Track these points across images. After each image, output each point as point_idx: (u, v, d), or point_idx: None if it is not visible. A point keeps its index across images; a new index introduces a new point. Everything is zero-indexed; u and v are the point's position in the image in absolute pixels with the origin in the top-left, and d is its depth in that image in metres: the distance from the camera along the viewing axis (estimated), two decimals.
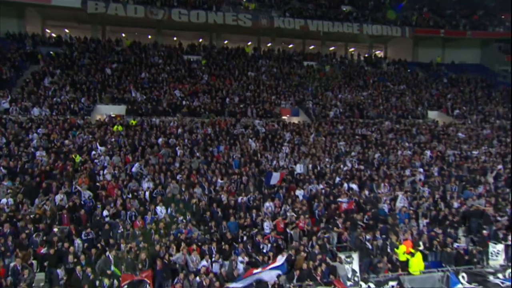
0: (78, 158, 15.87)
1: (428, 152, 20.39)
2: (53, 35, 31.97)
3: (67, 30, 32.43)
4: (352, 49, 40.82)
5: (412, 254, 12.12)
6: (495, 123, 25.86)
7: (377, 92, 28.23)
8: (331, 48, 39.25)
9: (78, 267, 9.93)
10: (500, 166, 19.48)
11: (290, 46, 39.61)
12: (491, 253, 12.96)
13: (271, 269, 10.11)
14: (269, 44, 35.86)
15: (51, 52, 25.34)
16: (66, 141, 17.01)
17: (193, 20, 29.41)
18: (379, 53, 41.81)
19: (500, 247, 12.94)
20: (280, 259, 10.23)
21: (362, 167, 18.15)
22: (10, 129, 17.22)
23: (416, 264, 12.14)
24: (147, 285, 9.86)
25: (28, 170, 14.45)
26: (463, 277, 12.23)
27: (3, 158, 14.76)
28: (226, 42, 36.17)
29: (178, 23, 30.51)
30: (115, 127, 19.05)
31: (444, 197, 16.08)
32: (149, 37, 34.39)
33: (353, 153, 19.44)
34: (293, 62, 32.19)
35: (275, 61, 31.46)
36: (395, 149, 20.38)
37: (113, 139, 17.76)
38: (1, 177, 13.76)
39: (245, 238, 12.36)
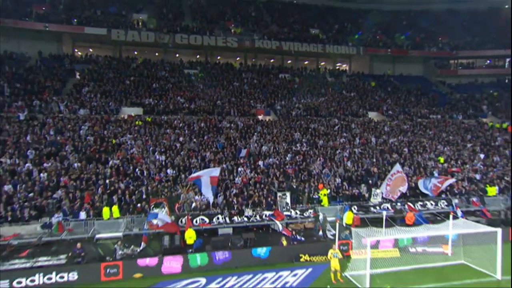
0: (114, 141, 23.28)
1: (358, 139, 27.94)
2: (79, 53, 39.00)
3: (91, 50, 39.46)
4: (323, 63, 48.10)
5: (324, 194, 19.63)
6: (415, 120, 33.32)
7: (333, 97, 35.63)
8: (305, 63, 46.37)
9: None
10: (406, 149, 27.07)
11: (272, 61, 46.50)
12: (373, 195, 20.44)
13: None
14: (253, 60, 43.25)
15: (85, 69, 32.44)
16: (105, 132, 24.37)
17: (192, 42, 36.71)
18: (345, 67, 49.19)
19: (378, 191, 20.39)
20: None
21: (307, 148, 25.65)
22: (64, 124, 24.46)
23: (325, 200, 19.60)
24: (165, 205, 17.03)
25: (83, 148, 21.79)
26: (354, 207, 19.62)
27: (68, 141, 22.10)
28: (219, 58, 43.01)
29: (180, 45, 37.38)
30: (137, 122, 26.36)
31: (366, 169, 23.55)
32: (156, 54, 41.21)
33: (303, 140, 26.92)
34: (270, 74, 39.50)
35: (256, 74, 38.70)
36: (335, 138, 27.86)
37: (136, 129, 25.13)
38: (69, 150, 21.16)
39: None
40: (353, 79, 41.43)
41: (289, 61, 46.04)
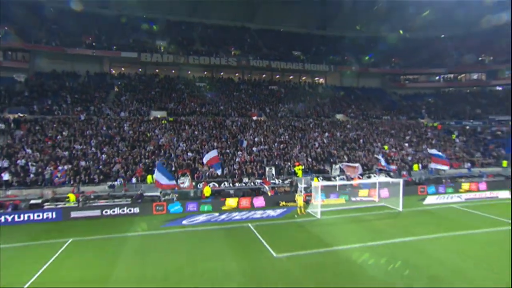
0: (148, 134, 28.47)
1: (326, 133, 33.35)
2: (113, 71, 43.93)
3: (123, 69, 44.41)
4: (304, 78, 53.35)
5: (299, 169, 24.92)
6: (371, 120, 38.81)
7: (310, 104, 41.03)
8: (290, 77, 51.43)
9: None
10: (361, 140, 32.49)
11: (263, 76, 51.08)
12: (333, 169, 25.78)
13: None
14: (249, 75, 48.50)
15: (121, 83, 37.58)
16: (141, 128, 29.54)
17: (202, 62, 41.87)
18: (321, 81, 54.53)
19: (337, 167, 25.72)
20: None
21: (289, 139, 30.98)
22: (111, 123, 29.58)
23: (299, 173, 24.87)
24: (187, 174, 22.11)
25: (127, 139, 26.94)
26: (320, 178, 24.90)
27: (117, 134, 27.25)
28: (221, 74, 48.09)
29: (192, 64, 42.16)
30: (163, 121, 31.53)
31: (329, 152, 28.88)
32: (173, 71, 45.97)
33: (286, 134, 32.25)
34: (262, 86, 44.86)
35: (251, 86, 44.04)
36: (309, 132, 33.23)
37: (163, 126, 30.32)
38: (118, 140, 26.33)
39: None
40: (326, 90, 46.80)
41: (277, 76, 50.34)
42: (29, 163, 21.56)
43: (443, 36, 50.87)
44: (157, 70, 45.09)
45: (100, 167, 22.44)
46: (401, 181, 18.94)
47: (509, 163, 29.35)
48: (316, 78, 53.06)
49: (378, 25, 51.29)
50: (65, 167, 21.37)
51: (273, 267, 11.26)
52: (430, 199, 21.42)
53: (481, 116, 41.25)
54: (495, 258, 11.87)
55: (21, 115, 28.05)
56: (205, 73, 46.65)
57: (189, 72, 45.61)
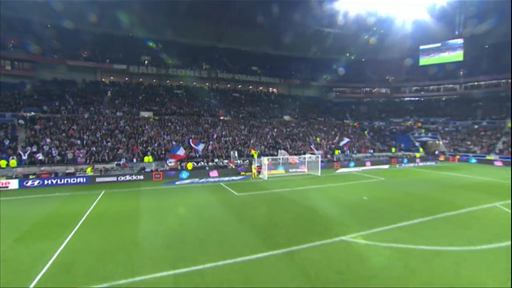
0: (140, 129, 33.04)
1: (275, 129, 40.13)
2: (103, 79, 47.07)
3: (112, 78, 47.70)
4: (260, 88, 59.96)
5: (254, 153, 31.23)
6: (310, 120, 46.47)
7: (264, 108, 47.70)
8: (250, 87, 57.63)
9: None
10: (301, 134, 39.70)
11: (228, 85, 56.64)
12: (279, 153, 32.43)
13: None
14: (217, 85, 53.99)
15: (111, 90, 41.29)
16: (134, 124, 33.95)
17: (179, 74, 46.75)
18: (274, 90, 61.57)
19: (281, 151, 32.42)
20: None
21: (247, 133, 37.22)
22: (110, 120, 33.63)
23: (255, 155, 31.18)
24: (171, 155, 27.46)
25: (124, 132, 31.35)
26: (269, 158, 31.38)
27: (116, 129, 31.52)
28: (194, 83, 52.89)
29: (171, 75, 46.84)
30: (151, 119, 36.12)
31: (277, 141, 35.48)
32: (154, 81, 50.07)
33: (245, 129, 38.45)
34: (227, 94, 50.69)
35: (218, 93, 49.61)
36: (263, 128, 39.74)
37: (151, 123, 34.96)
38: (117, 132, 30.67)
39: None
40: (277, 98, 53.90)
41: (239, 86, 55.86)
42: (52, 149, 25.42)
43: (363, 60, 60.34)
44: (141, 79, 49.02)
45: (107, 151, 26.89)
46: (319, 157, 26.13)
47: (397, 149, 38.34)
48: (270, 88, 59.77)
49: (319, 49, 59.39)
50: (82, 150, 25.59)
51: (237, 199, 17.33)
52: (341, 170, 28.95)
53: (385, 119, 50.90)
54: (366, 191, 19.05)
55: (34, 114, 31.19)
56: (181, 82, 51.19)
57: (168, 81, 50.25)
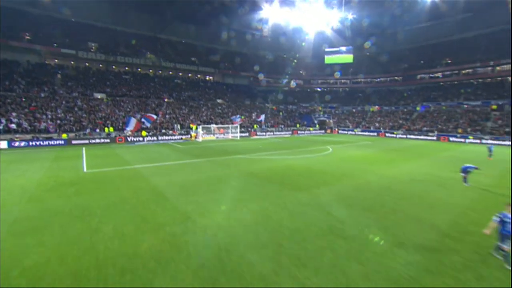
0: (97, 108, 39.04)
1: (210, 110, 49.62)
2: (49, 62, 49.34)
3: (56, 61, 50.13)
4: (199, 76, 67.69)
5: (194, 127, 40.49)
6: (238, 104, 57.04)
7: (201, 92, 56.35)
8: (189, 75, 64.94)
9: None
10: (230, 113, 50.01)
11: (170, 73, 62.99)
12: (212, 126, 42.31)
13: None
14: (160, 72, 60.03)
15: (60, 72, 44.88)
16: (90, 103, 39.55)
17: (127, 61, 52.04)
18: (211, 78, 70.08)
19: (212, 124, 42.30)
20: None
21: (187, 111, 45.93)
22: (68, 100, 38.58)
23: (194, 128, 40.48)
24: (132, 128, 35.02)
25: (83, 109, 37.15)
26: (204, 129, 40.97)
27: (73, 106, 37.08)
28: (139, 70, 58.12)
29: (119, 62, 52.02)
30: (105, 100, 41.86)
31: (211, 118, 44.99)
32: (100, 66, 54.14)
33: (186, 109, 47.00)
34: (170, 80, 57.60)
35: (162, 80, 56.22)
36: (200, 109, 48.77)
37: (105, 103, 40.90)
38: (76, 110, 36.44)
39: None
40: (213, 84, 62.93)
41: (180, 74, 63.14)
42: (21, 121, 30.54)
43: (284, 56, 72.91)
44: (87, 64, 52.51)
45: (72, 124, 32.98)
46: (238, 127, 36.82)
47: (301, 125, 51.76)
48: (207, 76, 68.21)
49: (248, 46, 69.50)
50: (52, 123, 31.35)
51: (182, 148, 26.73)
52: (255, 137, 40.18)
53: (296, 103, 64.71)
54: (263, 145, 30.30)
55: None
56: (126, 68, 56.27)
57: (114, 67, 54.81)
